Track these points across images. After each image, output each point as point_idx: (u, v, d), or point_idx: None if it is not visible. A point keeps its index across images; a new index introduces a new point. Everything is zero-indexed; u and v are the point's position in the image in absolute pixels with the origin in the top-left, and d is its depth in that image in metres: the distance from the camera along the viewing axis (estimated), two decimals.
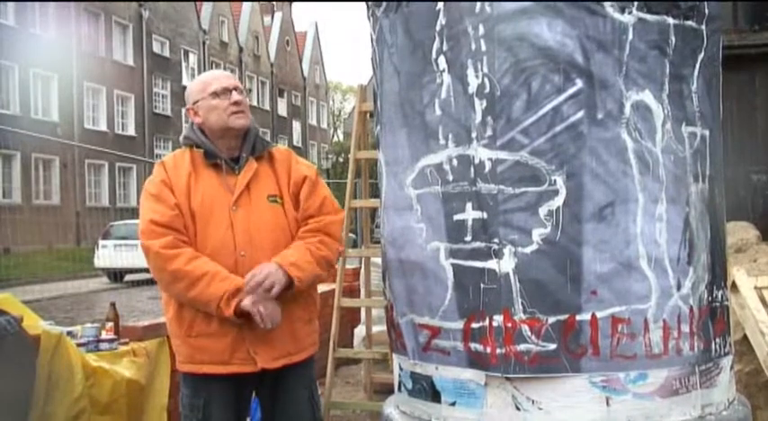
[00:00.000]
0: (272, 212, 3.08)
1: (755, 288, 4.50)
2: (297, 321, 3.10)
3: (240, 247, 3.00)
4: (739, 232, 5.79)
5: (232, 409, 3.15)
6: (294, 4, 58.69)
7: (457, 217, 2.42)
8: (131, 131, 36.60)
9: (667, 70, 2.39)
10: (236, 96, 3.11)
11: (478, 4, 2.37)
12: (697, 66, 2.48)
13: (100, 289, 16.48)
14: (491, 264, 2.35)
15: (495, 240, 2.34)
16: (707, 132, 2.52)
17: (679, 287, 2.37)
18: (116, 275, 17.20)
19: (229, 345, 3.01)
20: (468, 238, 2.39)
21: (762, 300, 4.47)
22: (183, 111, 39.70)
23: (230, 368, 3.03)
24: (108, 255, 16.76)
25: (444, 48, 2.44)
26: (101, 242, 17.97)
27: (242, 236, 3.01)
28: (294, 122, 57.32)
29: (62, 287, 14.87)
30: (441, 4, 2.44)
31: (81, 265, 18.17)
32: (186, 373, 3.14)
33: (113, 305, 4.37)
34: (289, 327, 3.06)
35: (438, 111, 2.46)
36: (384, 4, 2.64)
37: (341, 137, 69.01)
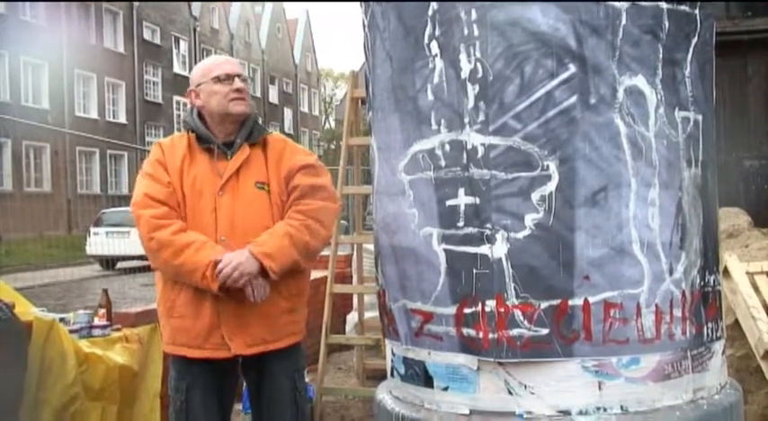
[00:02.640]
0: (257, 199, 3.09)
1: (747, 273, 4.52)
2: (275, 309, 3.10)
3: (221, 232, 3.03)
4: (731, 218, 5.81)
5: (215, 394, 3.18)
6: None
7: (449, 202, 2.41)
8: (122, 119, 36.48)
9: (660, 55, 2.39)
10: (237, 83, 3.13)
11: None
12: (690, 50, 2.47)
13: (92, 276, 16.43)
14: (484, 249, 2.34)
15: (488, 225, 2.33)
16: (700, 117, 2.51)
17: (671, 272, 2.37)
18: (108, 262, 17.18)
19: (205, 329, 3.04)
20: (461, 224, 2.39)
21: (753, 285, 4.49)
22: (175, 97, 39.78)
23: (204, 353, 3.07)
24: (100, 242, 16.73)
25: (437, 33, 2.43)
26: (92, 229, 17.93)
27: (224, 220, 3.04)
28: (286, 109, 57.20)
29: (54, 274, 14.82)
30: None
31: (73, 253, 18.13)
32: (170, 355, 3.21)
33: (106, 291, 4.36)
34: (265, 315, 3.07)
35: (430, 97, 2.45)
36: None
37: (332, 124, 68.85)
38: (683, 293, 2.40)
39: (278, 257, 2.96)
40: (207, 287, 2.93)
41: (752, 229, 5.73)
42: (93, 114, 34.29)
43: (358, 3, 2.80)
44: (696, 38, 2.50)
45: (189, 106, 3.26)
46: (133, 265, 13.84)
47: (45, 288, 12.85)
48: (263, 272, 2.95)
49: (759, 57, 7.39)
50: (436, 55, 2.43)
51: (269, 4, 54.65)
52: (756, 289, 4.48)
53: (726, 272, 4.41)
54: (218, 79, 3.13)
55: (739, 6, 7.27)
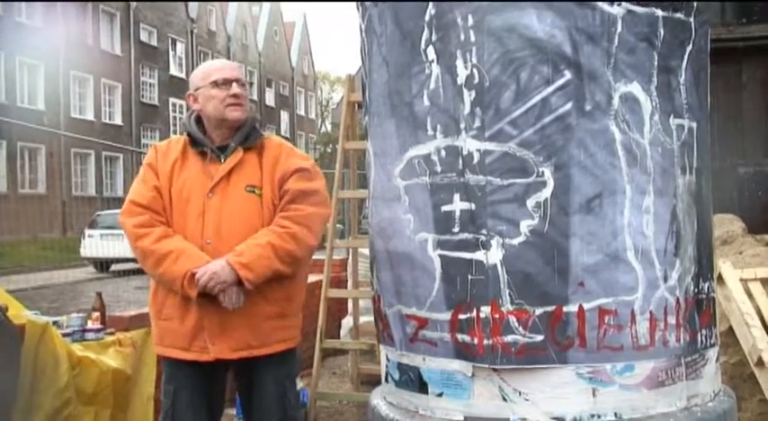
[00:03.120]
0: (246, 202, 3.08)
1: (741, 280, 4.53)
2: (259, 314, 3.08)
3: (207, 235, 3.03)
4: (725, 224, 5.82)
5: (203, 398, 3.18)
6: None
7: (445, 208, 2.41)
8: (118, 120, 36.43)
9: (656, 62, 2.39)
10: (235, 89, 3.12)
11: None
12: (685, 58, 2.48)
13: (86, 279, 16.39)
14: (479, 255, 2.34)
15: (483, 231, 2.33)
16: (694, 124, 2.52)
17: (666, 279, 2.37)
18: (102, 265, 17.12)
19: (189, 332, 3.05)
20: (456, 230, 2.39)
21: (747, 291, 4.50)
22: (172, 99, 39.77)
23: (189, 355, 3.08)
24: (94, 244, 16.69)
25: (433, 38, 2.43)
26: (87, 231, 17.90)
27: (211, 223, 3.04)
28: (282, 113, 57.19)
29: (48, 277, 14.78)
30: None
31: (67, 255, 18.09)
32: (160, 357, 3.24)
33: (99, 295, 4.36)
34: (248, 319, 3.05)
35: (426, 102, 2.45)
36: None
37: (329, 127, 68.78)
38: (678, 300, 2.40)
39: (256, 268, 2.96)
40: (187, 295, 2.96)
41: (746, 236, 5.74)
42: (89, 116, 34.24)
43: (355, 6, 2.80)
44: (691, 45, 2.50)
45: (189, 109, 3.27)
46: (127, 268, 13.80)
47: (38, 290, 12.81)
48: (240, 281, 2.95)
49: (754, 63, 7.41)
50: (433, 60, 2.43)
51: (266, 7, 54.65)
52: (750, 295, 4.49)
53: (720, 278, 4.42)
54: (215, 84, 3.13)
55: (734, 13, 7.29)
